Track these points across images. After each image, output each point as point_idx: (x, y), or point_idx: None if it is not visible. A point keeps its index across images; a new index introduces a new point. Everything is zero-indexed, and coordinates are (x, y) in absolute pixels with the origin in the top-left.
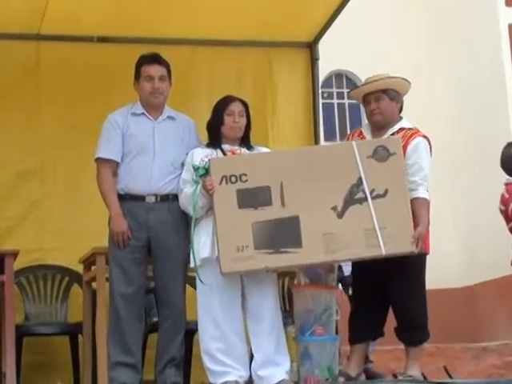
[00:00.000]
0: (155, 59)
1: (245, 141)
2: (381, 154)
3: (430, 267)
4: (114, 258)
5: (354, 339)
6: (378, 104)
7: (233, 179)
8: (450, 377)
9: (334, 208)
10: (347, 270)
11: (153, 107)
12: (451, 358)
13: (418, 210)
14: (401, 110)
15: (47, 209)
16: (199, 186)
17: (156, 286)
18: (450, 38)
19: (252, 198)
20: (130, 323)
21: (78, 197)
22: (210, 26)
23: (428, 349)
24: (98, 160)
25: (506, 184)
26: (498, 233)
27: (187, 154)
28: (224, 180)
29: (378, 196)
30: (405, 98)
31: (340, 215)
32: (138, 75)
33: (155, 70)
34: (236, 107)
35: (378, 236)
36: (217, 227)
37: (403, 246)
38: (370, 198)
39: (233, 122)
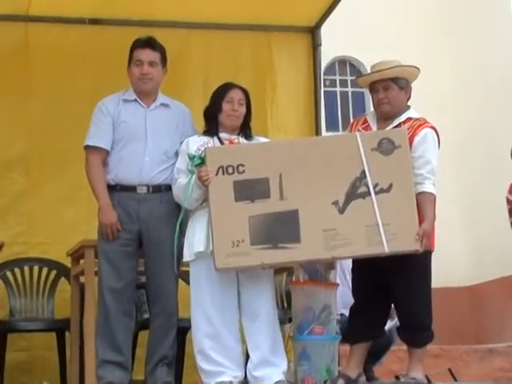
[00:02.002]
0: (148, 43)
1: (244, 130)
2: (386, 147)
3: (434, 265)
4: (103, 251)
5: (353, 338)
6: (387, 93)
7: (230, 170)
8: (455, 379)
9: (335, 202)
10: (347, 264)
11: (144, 94)
12: (456, 359)
13: (424, 205)
14: (409, 98)
15: (32, 200)
16: (194, 177)
17: (147, 281)
18: (458, 26)
19: (249, 190)
20: (119, 320)
21: (65, 187)
22: (207, 7)
23: (432, 350)
24: (87, 148)
25: None
26: (505, 231)
27: (182, 142)
28: (220, 170)
29: (382, 191)
30: (412, 84)
31: (341, 210)
32: (130, 59)
33: (145, 55)
34: (236, 94)
35: (381, 233)
36: (212, 220)
37: (407, 243)
38: (373, 193)
39: (231, 109)
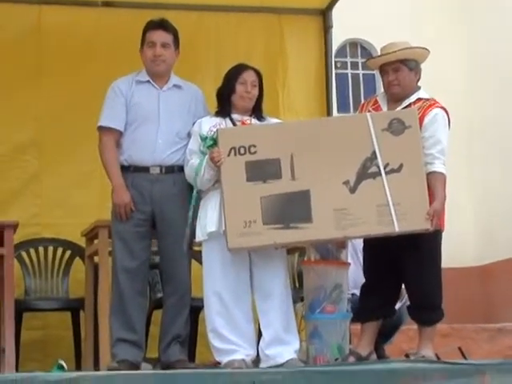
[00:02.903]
0: (161, 25)
1: (256, 111)
2: (396, 127)
3: (444, 245)
4: (117, 231)
5: (364, 317)
6: (397, 75)
7: (242, 151)
8: (465, 358)
9: (346, 182)
10: (359, 244)
11: (157, 75)
12: (466, 338)
13: (434, 184)
14: (419, 79)
15: (46, 182)
16: (206, 157)
17: (160, 261)
18: (472, 11)
19: (261, 170)
20: (133, 299)
21: (78, 168)
22: None
23: (442, 329)
24: (100, 129)
25: None
26: None
27: (194, 123)
28: (232, 151)
29: (393, 171)
30: (423, 68)
31: (352, 190)
32: (142, 41)
33: (158, 36)
34: (249, 76)
35: (392, 212)
36: (224, 201)
37: (418, 223)
38: (383, 173)
39: (244, 91)
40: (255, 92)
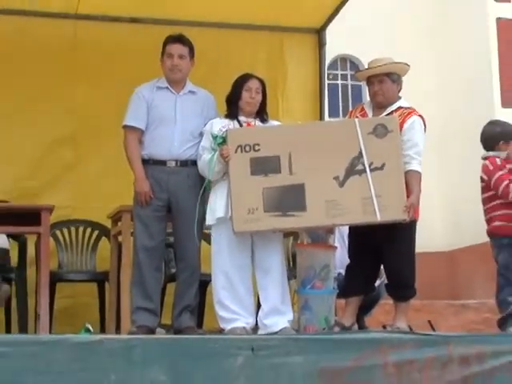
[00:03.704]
0: (179, 39)
1: (260, 114)
2: (380, 131)
3: (418, 233)
4: (138, 215)
5: (348, 293)
6: (381, 86)
7: (247, 148)
8: (434, 330)
9: (336, 178)
10: (345, 230)
11: (174, 82)
12: (435, 313)
13: (411, 181)
14: (400, 90)
15: (79, 171)
16: (217, 153)
17: (174, 241)
18: (443, 28)
19: (263, 165)
20: (150, 273)
21: (106, 161)
22: (229, 10)
23: (414, 304)
24: (125, 127)
25: (486, 158)
26: (478, 204)
27: (206, 124)
28: (239, 149)
29: (376, 168)
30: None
31: (341, 184)
32: (163, 52)
33: (176, 49)
34: (253, 84)
35: (375, 204)
36: (231, 191)
37: (396, 213)
38: (368, 170)
39: (249, 97)
40: (259, 98)
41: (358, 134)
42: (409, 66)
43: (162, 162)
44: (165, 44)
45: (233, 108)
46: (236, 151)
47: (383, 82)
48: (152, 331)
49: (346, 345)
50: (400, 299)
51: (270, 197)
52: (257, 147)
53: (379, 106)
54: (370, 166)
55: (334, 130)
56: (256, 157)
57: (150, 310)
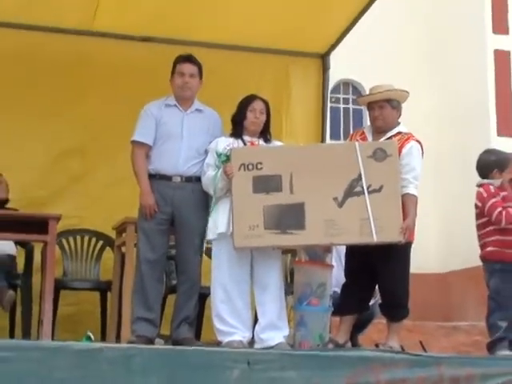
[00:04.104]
0: (188, 59)
1: (264, 134)
2: (379, 155)
3: (412, 254)
4: (142, 228)
5: (343, 311)
6: (381, 111)
7: (250, 167)
8: (425, 350)
9: (336, 198)
10: (342, 249)
11: (183, 100)
12: (426, 334)
13: (407, 204)
14: (399, 115)
15: (86, 182)
16: (220, 170)
17: (176, 254)
18: (442, 56)
19: (265, 184)
20: (152, 285)
21: (112, 173)
22: (237, 33)
23: (407, 325)
24: (134, 142)
25: (481, 185)
26: (471, 230)
27: (211, 141)
28: (242, 167)
29: (374, 191)
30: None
31: (340, 205)
32: (173, 71)
33: (187, 68)
34: (258, 105)
35: (372, 225)
36: (233, 208)
37: (392, 235)
38: (366, 192)
39: (254, 117)
40: (263, 118)
41: (357, 157)
42: (408, 93)
43: (168, 177)
44: (175, 63)
45: (238, 127)
46: (239, 169)
47: (383, 108)
48: (151, 341)
49: (340, 362)
50: (393, 319)
51: (270, 214)
52: (259, 166)
53: (379, 131)
54: (368, 188)
55: (334, 152)
56: (258, 175)
57: (150, 321)
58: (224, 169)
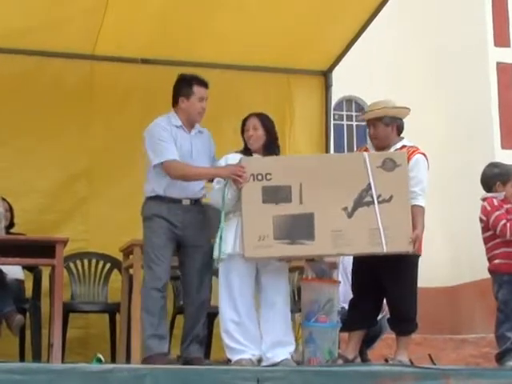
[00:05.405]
0: (205, 83)
1: (266, 148)
2: (388, 165)
3: (420, 268)
4: (148, 258)
5: (351, 327)
6: (374, 130)
7: (259, 177)
8: (434, 363)
9: (345, 208)
10: (348, 265)
11: (193, 123)
12: (435, 347)
13: (416, 215)
14: (402, 130)
15: (92, 205)
16: (229, 180)
17: (182, 276)
18: (445, 70)
19: (275, 194)
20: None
21: (119, 196)
22: (239, 52)
23: (416, 338)
24: (167, 162)
25: (485, 198)
26: (478, 243)
27: (212, 162)
28: (252, 177)
29: (384, 201)
30: (406, 121)
31: (350, 215)
32: (189, 93)
33: (206, 93)
34: (250, 122)
35: (381, 235)
36: (243, 218)
37: (402, 245)
38: (376, 202)
39: (247, 136)
40: (258, 133)
41: (367, 167)
42: (407, 108)
43: (178, 200)
44: (191, 84)
45: (245, 146)
46: (249, 180)
47: (375, 126)
48: (166, 357)
49: (349, 377)
50: (402, 333)
51: (280, 225)
52: (269, 176)
53: (378, 148)
54: (378, 198)
55: (344, 162)
56: (268, 185)
57: (161, 337)
58: (236, 167)
